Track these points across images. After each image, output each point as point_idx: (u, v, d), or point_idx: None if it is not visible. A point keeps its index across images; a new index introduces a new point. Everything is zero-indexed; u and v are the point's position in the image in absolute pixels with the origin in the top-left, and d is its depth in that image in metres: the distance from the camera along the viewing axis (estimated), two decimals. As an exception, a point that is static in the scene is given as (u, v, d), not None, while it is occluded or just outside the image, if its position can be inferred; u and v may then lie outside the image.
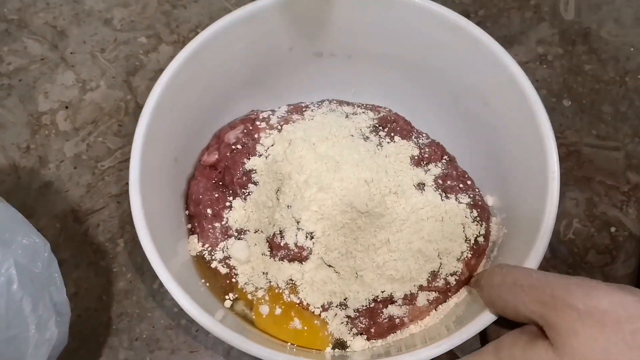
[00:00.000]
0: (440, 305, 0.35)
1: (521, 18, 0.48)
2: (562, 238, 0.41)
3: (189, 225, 0.37)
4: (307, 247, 0.33)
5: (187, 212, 0.38)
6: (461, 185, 0.37)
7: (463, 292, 0.35)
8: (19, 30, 0.49)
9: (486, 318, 0.29)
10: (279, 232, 0.34)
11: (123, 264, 0.40)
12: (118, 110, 0.46)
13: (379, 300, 0.34)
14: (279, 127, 0.37)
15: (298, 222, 0.33)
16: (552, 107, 0.45)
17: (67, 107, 0.46)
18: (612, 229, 0.41)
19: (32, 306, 0.31)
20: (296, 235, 0.34)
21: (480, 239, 0.35)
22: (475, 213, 0.36)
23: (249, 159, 0.36)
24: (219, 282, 0.35)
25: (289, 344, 0.33)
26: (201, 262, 0.36)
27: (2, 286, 0.29)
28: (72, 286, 0.39)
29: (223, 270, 0.35)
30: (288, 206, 0.34)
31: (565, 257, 0.40)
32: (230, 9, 0.47)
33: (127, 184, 0.43)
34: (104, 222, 0.42)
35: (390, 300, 0.34)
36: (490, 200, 0.38)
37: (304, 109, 0.39)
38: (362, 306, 0.33)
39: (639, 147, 0.44)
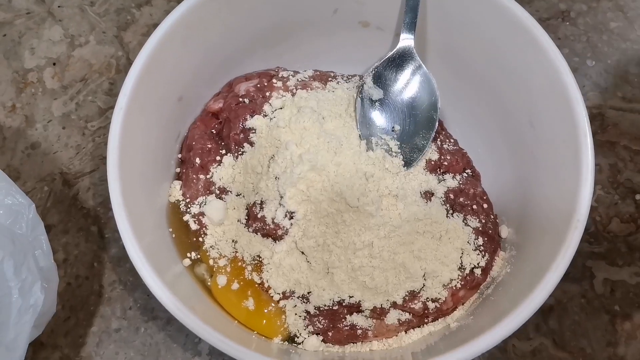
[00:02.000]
0: (412, 330, 0.32)
1: (543, -29, 0.45)
2: (583, 206, 0.39)
3: (178, 170, 0.36)
4: (284, 227, 0.31)
5: (179, 155, 0.36)
6: (475, 207, 0.34)
7: (441, 323, 0.32)
8: (3, -18, 0.46)
9: (460, 356, 0.26)
10: (259, 202, 0.32)
11: (115, 230, 0.38)
12: (109, 68, 0.43)
13: (344, 304, 0.31)
14: (294, 90, 0.35)
15: (281, 197, 0.31)
16: (575, 67, 0.43)
17: (54, 64, 0.43)
18: (638, 197, 0.39)
19: (14, 269, 0.29)
20: (276, 211, 0.32)
21: (478, 271, 0.32)
22: (480, 241, 0.33)
23: (252, 116, 0.34)
24: (186, 237, 0.34)
25: (236, 322, 0.31)
26: (175, 211, 0.34)
27: (-21, 247, 0.27)
28: (62, 253, 0.38)
29: (194, 226, 0.33)
30: (276, 177, 0.32)
31: (587, 226, 0.38)
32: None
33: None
34: (95, 185, 0.40)
35: (356, 308, 0.32)
36: (505, 232, 0.34)
37: (329, 79, 0.36)
38: (325, 305, 0.31)
39: (668, 110, 0.41)
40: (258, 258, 0.32)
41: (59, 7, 0.45)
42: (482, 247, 0.32)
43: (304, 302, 0.31)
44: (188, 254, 0.33)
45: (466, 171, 0.35)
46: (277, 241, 0.32)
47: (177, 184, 0.34)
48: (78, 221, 0.38)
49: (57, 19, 0.45)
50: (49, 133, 0.41)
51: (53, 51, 0.44)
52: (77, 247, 0.38)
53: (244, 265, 0.32)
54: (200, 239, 0.33)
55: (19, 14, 0.45)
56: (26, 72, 0.43)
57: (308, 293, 0.31)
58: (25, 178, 0.40)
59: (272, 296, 0.31)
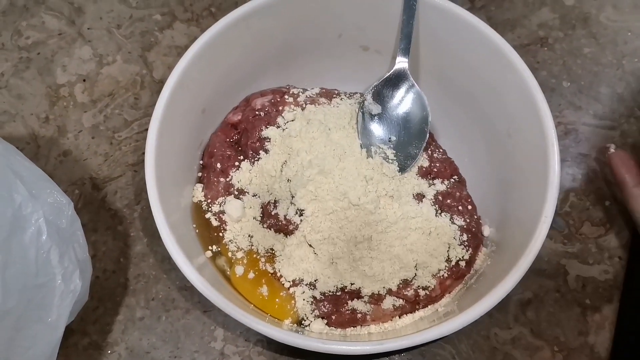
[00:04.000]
0: (405, 315, 0.36)
1: (524, 2, 0.50)
2: (558, 211, 0.43)
3: (200, 174, 0.39)
4: (295, 223, 0.35)
5: (201, 161, 0.40)
6: (460, 208, 0.37)
7: (431, 309, 0.36)
8: (36, 5, 0.50)
9: (442, 330, 0.30)
10: (273, 201, 0.36)
11: (139, 229, 0.42)
12: (134, 84, 0.47)
13: (346, 290, 0.35)
14: (304, 105, 0.39)
15: (293, 197, 0.35)
16: (552, 87, 0.47)
17: (84, 80, 0.47)
18: (607, 203, 0.43)
19: (59, 258, 0.32)
20: (287, 209, 0.36)
21: (462, 263, 0.36)
22: (465, 237, 0.36)
23: (268, 127, 0.38)
24: (208, 233, 0.37)
25: (252, 305, 0.35)
26: (198, 210, 0.38)
27: (33, 236, 0.31)
28: (91, 249, 0.41)
29: (215, 222, 0.37)
30: (288, 180, 0.36)
31: (561, 229, 0.42)
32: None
33: (143, 153, 0.44)
34: (121, 189, 0.43)
35: (357, 295, 0.35)
36: (487, 231, 0.38)
37: (334, 96, 0.40)
38: (330, 292, 0.35)
39: (634, 126, 0.46)
40: (271, 250, 0.36)
41: (88, 29, 0.49)
42: (466, 243, 0.36)
43: (311, 288, 0.35)
44: (210, 247, 0.37)
45: (453, 177, 0.39)
46: (288, 236, 0.36)
47: (200, 187, 0.39)
48: (106, 221, 0.42)
49: (87, 40, 0.49)
50: (80, 142, 0.45)
51: (83, 68, 0.48)
52: (105, 244, 0.42)
53: (258, 257, 0.36)
54: (221, 234, 0.37)
55: (51, 34, 0.49)
56: (58, 87, 0.47)
57: (315, 281, 0.35)
58: (58, 182, 0.42)
59: (283, 284, 0.35)
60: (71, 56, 0.48)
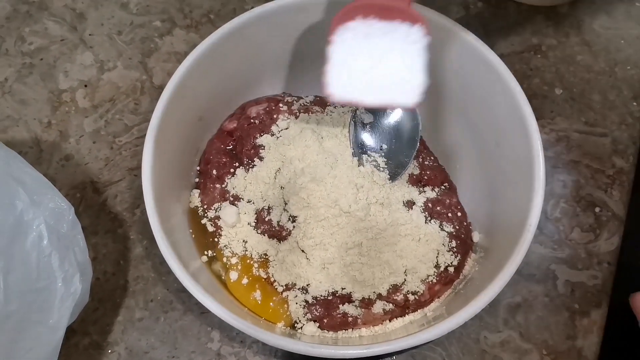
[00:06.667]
0: (395, 319, 0.36)
1: (518, 10, 0.51)
2: (549, 216, 0.43)
3: (197, 180, 0.41)
4: (287, 229, 0.36)
5: (198, 168, 0.41)
6: (450, 215, 0.38)
7: (420, 313, 0.36)
8: (39, 12, 0.51)
9: (429, 335, 0.31)
10: (267, 207, 0.37)
11: (139, 232, 0.43)
12: (134, 90, 0.48)
13: (337, 295, 0.36)
14: (298, 113, 0.40)
15: (286, 204, 0.36)
16: (545, 94, 0.48)
17: (86, 86, 0.48)
18: (597, 209, 0.44)
19: (59, 262, 0.34)
20: (281, 215, 0.37)
21: (451, 269, 0.37)
22: (454, 244, 0.37)
23: (262, 135, 0.39)
24: (203, 238, 0.38)
25: (246, 309, 0.36)
26: (194, 215, 0.39)
27: (34, 241, 0.32)
28: (91, 251, 0.42)
29: (210, 228, 0.38)
30: (281, 187, 0.37)
31: (552, 234, 0.43)
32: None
33: (143, 158, 0.46)
34: (121, 193, 0.44)
35: (348, 299, 0.36)
36: (476, 237, 0.39)
37: (327, 104, 0.41)
38: (321, 296, 0.36)
39: (625, 133, 0.46)
40: (265, 256, 0.37)
41: (90, 35, 0.50)
42: (455, 249, 0.37)
43: (303, 293, 0.36)
44: (205, 252, 0.38)
45: (444, 184, 0.40)
46: (281, 241, 0.37)
47: (196, 192, 0.40)
48: (106, 224, 0.43)
49: (89, 46, 0.50)
50: (81, 147, 0.46)
51: (84, 74, 0.48)
52: (105, 247, 0.43)
53: (252, 262, 0.37)
54: (216, 239, 0.38)
55: (54, 40, 0.50)
56: (60, 93, 0.48)
57: (307, 285, 0.36)
58: (60, 186, 0.44)
59: (277, 288, 0.36)
60: (73, 62, 0.49)
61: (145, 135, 0.46)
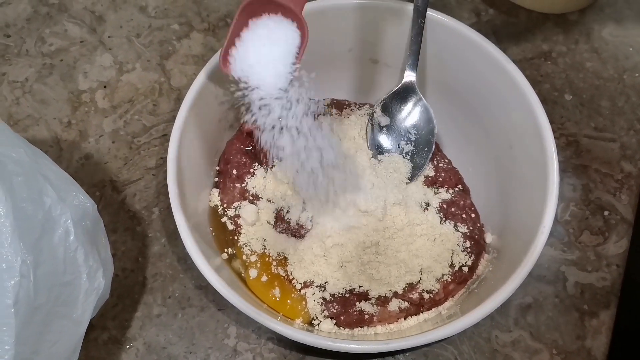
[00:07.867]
0: (410, 317, 0.37)
1: (528, 17, 0.52)
2: (558, 219, 0.44)
3: (216, 179, 0.41)
4: (306, 228, 0.37)
5: (217, 167, 0.42)
6: (464, 216, 0.39)
7: (434, 312, 0.37)
8: (59, 14, 0.52)
9: (445, 332, 0.32)
10: (287, 207, 0.38)
11: (157, 230, 0.44)
12: (152, 91, 0.49)
13: (354, 292, 0.36)
14: (316, 116, 0.41)
15: (304, 204, 0.37)
16: (554, 100, 0.49)
17: (105, 87, 0.49)
18: (606, 213, 0.44)
19: (84, 257, 0.34)
20: (300, 214, 0.37)
21: (465, 269, 0.38)
22: (468, 244, 0.38)
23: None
24: (223, 236, 0.39)
25: (266, 306, 0.37)
26: (214, 214, 0.40)
27: (61, 236, 0.33)
28: (111, 248, 0.42)
29: (230, 226, 0.39)
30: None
31: (561, 237, 0.44)
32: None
33: (161, 158, 0.46)
34: (140, 192, 0.45)
35: (364, 297, 0.37)
36: (489, 238, 0.40)
37: (344, 106, 0.42)
38: (339, 293, 0.36)
39: (634, 139, 0.47)
40: (283, 254, 0.38)
41: (109, 37, 0.51)
42: (469, 249, 0.38)
43: (321, 290, 0.37)
44: (225, 250, 0.39)
45: (458, 186, 0.41)
46: (300, 240, 0.38)
47: (216, 192, 0.40)
48: (125, 222, 0.44)
49: (108, 48, 0.51)
50: (101, 146, 0.47)
51: (104, 75, 0.49)
52: (124, 244, 0.43)
53: (270, 260, 0.38)
54: (236, 238, 0.39)
55: (73, 42, 0.51)
56: (80, 93, 0.49)
57: (325, 283, 0.36)
58: (80, 184, 0.43)
59: (295, 285, 0.37)
60: (92, 63, 0.50)
61: (164, 135, 0.47)
